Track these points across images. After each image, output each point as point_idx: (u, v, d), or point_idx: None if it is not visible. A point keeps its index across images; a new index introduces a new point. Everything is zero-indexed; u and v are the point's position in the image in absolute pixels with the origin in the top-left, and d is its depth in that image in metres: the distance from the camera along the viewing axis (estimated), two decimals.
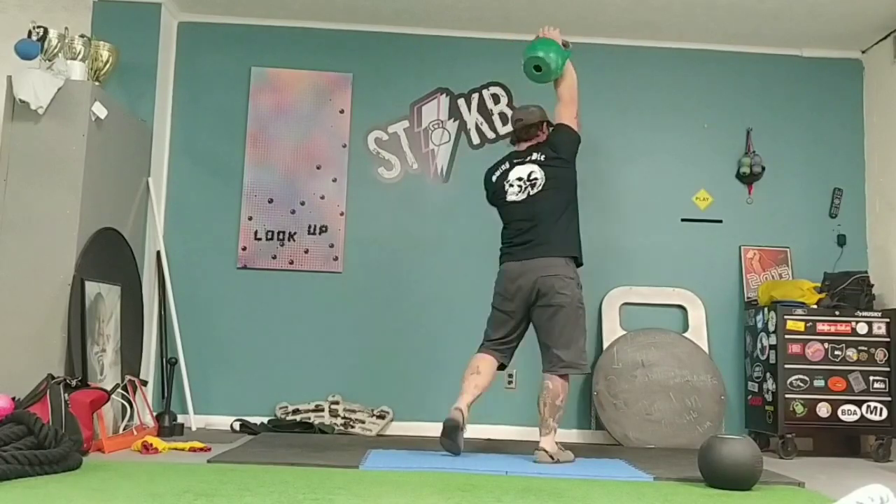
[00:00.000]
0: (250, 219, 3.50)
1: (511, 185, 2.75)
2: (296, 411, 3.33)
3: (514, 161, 2.79)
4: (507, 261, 2.74)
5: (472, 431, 3.21)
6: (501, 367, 2.75)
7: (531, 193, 2.70)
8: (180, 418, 3.15)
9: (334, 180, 3.54)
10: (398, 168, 3.58)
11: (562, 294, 2.60)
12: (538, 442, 2.60)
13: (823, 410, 3.09)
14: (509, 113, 3.61)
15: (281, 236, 3.49)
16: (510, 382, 3.43)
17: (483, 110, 3.61)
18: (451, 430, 2.53)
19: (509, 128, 3.61)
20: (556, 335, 2.60)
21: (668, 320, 3.49)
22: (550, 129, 2.82)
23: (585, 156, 3.62)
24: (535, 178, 2.71)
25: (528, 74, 2.78)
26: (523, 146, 2.83)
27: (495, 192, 2.81)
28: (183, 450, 2.62)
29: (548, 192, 2.69)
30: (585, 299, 3.48)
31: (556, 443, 2.62)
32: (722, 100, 3.64)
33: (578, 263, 2.73)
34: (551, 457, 2.55)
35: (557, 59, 2.73)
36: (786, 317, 3.13)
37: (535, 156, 2.75)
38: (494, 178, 2.82)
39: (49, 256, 2.69)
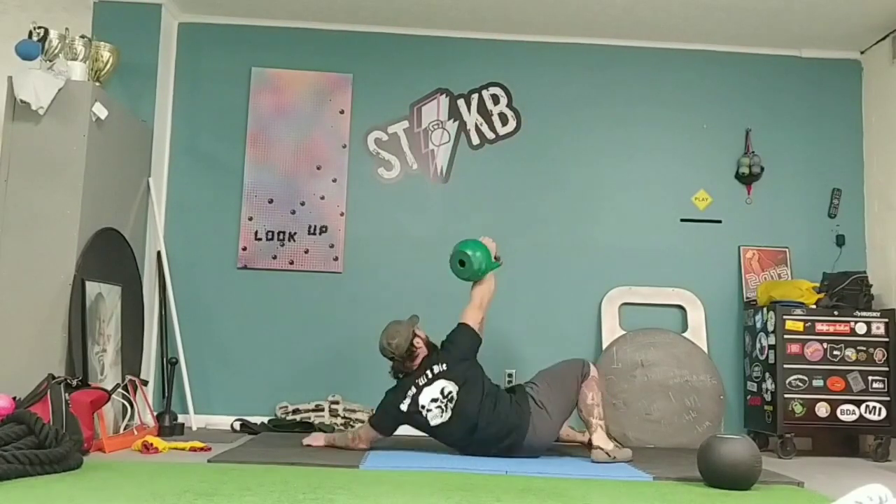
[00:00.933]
0: (250, 219, 3.50)
1: (429, 411, 2.62)
2: (296, 411, 3.33)
3: (420, 383, 2.65)
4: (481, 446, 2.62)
5: None
6: None
7: (453, 409, 2.61)
8: (181, 418, 3.16)
9: (334, 180, 3.54)
10: (398, 168, 3.58)
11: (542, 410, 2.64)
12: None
13: (822, 410, 3.09)
14: (509, 113, 3.62)
15: (281, 236, 3.50)
16: (509, 382, 3.44)
17: (483, 111, 3.61)
18: None
19: (509, 128, 3.64)
20: (562, 406, 2.69)
21: (668, 320, 3.50)
22: (421, 331, 2.72)
23: (585, 156, 3.64)
24: (450, 393, 2.62)
25: (452, 266, 2.84)
26: (414, 366, 2.68)
27: (412, 422, 2.66)
28: (183, 449, 2.63)
29: (471, 396, 2.61)
30: (585, 300, 3.52)
31: (614, 439, 2.69)
32: (721, 100, 3.64)
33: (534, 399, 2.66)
34: (607, 454, 2.59)
35: (482, 262, 2.78)
36: (785, 317, 3.14)
37: (436, 369, 2.65)
38: (406, 409, 2.64)
39: (50, 256, 2.69)
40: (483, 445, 2.62)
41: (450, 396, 2.63)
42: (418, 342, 2.70)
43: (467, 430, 2.62)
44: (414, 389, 2.66)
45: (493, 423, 2.61)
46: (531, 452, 2.64)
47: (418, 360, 2.69)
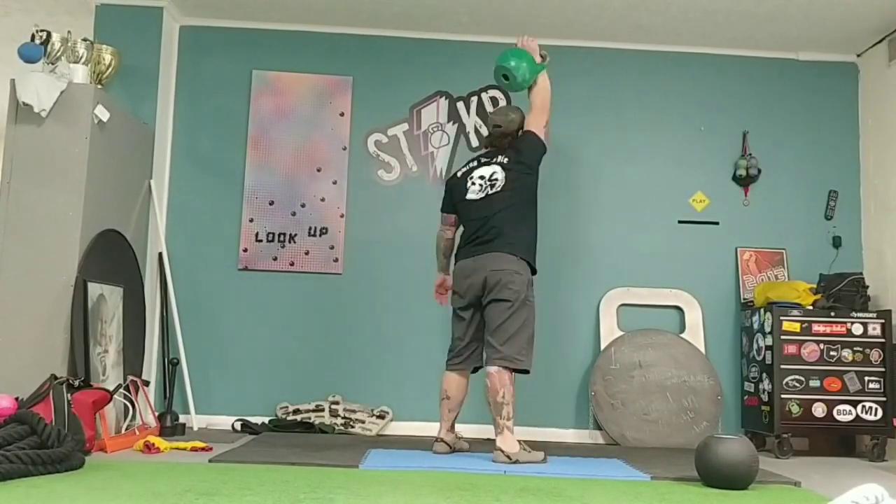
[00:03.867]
0: (251, 221, 3.52)
1: (473, 184, 2.75)
2: (296, 411, 3.35)
3: (482, 160, 2.81)
4: (460, 257, 2.74)
5: (471, 431, 3.24)
6: (475, 370, 2.77)
7: (489, 193, 2.70)
8: (182, 418, 3.17)
9: (334, 182, 3.56)
10: (398, 170, 3.60)
11: (508, 289, 2.58)
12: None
13: (819, 410, 3.11)
14: None
15: (281, 238, 3.52)
16: None
17: (482, 113, 3.63)
18: (444, 454, 2.65)
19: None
20: (496, 327, 2.58)
21: (666, 321, 3.52)
22: (519, 133, 2.81)
23: (583, 157, 3.66)
24: (496, 179, 2.71)
25: (498, 82, 2.84)
26: (501, 146, 2.82)
27: (456, 187, 2.79)
28: (184, 449, 2.64)
29: (506, 193, 2.68)
30: (584, 300, 3.54)
31: (520, 441, 2.58)
32: (718, 103, 3.66)
33: (533, 269, 2.69)
34: (508, 457, 2.50)
35: (527, 70, 2.75)
36: (782, 318, 3.16)
37: (499, 158, 2.76)
38: (460, 174, 2.83)
39: (52, 258, 2.71)
40: (474, 243, 2.67)
41: (493, 182, 2.71)
42: (520, 135, 2.79)
43: (483, 219, 2.67)
44: (475, 163, 2.81)
45: (492, 236, 2.63)
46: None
47: (505, 144, 2.79)
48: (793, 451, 3.08)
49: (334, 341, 3.47)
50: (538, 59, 2.82)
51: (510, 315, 2.58)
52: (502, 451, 2.52)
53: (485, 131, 3.64)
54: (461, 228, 2.84)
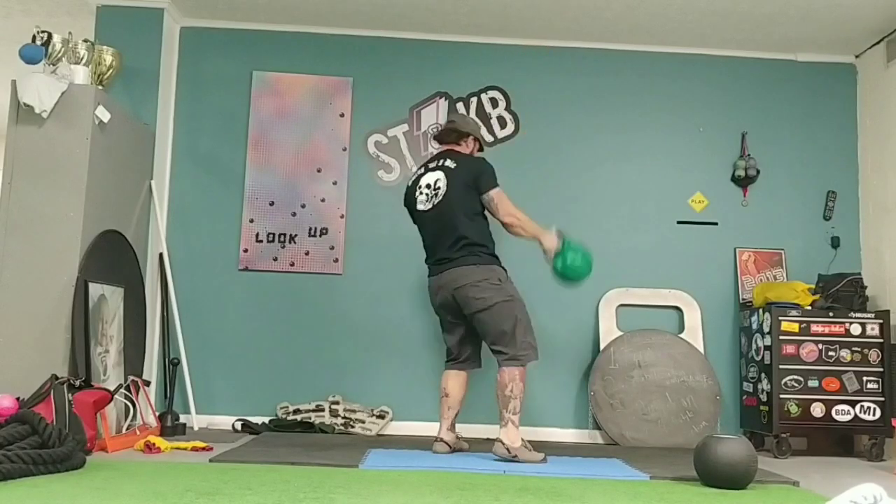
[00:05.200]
0: (251, 221, 3.53)
1: (421, 193, 2.75)
2: (296, 411, 3.36)
3: (430, 166, 2.78)
4: (429, 274, 2.76)
5: (471, 431, 3.24)
6: (475, 368, 2.80)
7: (436, 203, 2.69)
8: (182, 418, 3.18)
9: (335, 183, 3.57)
10: (398, 171, 3.61)
11: (478, 299, 2.61)
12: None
13: (817, 410, 3.12)
14: (508, 116, 3.65)
15: (282, 238, 3.53)
16: None
17: (481, 114, 3.64)
18: (443, 454, 2.66)
19: (508, 131, 3.67)
20: (488, 336, 2.65)
21: (664, 321, 3.53)
22: (477, 149, 2.82)
23: (582, 158, 3.68)
24: (440, 186, 2.69)
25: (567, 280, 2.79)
26: (440, 149, 2.83)
27: (408, 198, 2.81)
28: (185, 449, 2.65)
29: (450, 199, 2.65)
30: (583, 301, 3.54)
31: (524, 440, 2.60)
32: (717, 104, 3.67)
33: (494, 259, 2.67)
34: (507, 450, 2.52)
35: (583, 269, 2.67)
36: (780, 318, 3.16)
37: (447, 162, 2.71)
38: (411, 182, 2.82)
39: (53, 258, 2.72)
40: (434, 260, 2.68)
41: (437, 190, 2.69)
42: (470, 144, 2.79)
43: (434, 233, 2.68)
44: (423, 170, 2.80)
45: (446, 252, 2.63)
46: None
47: (449, 147, 2.78)
48: (791, 451, 3.09)
49: (334, 341, 3.48)
50: (558, 247, 2.70)
51: (497, 319, 2.61)
52: (503, 443, 2.53)
53: (484, 132, 3.65)
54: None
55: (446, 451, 2.70)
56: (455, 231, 2.64)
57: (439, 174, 2.70)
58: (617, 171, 3.63)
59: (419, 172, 2.80)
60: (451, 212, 2.65)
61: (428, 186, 2.72)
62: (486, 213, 2.72)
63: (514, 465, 2.49)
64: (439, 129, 2.83)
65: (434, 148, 2.94)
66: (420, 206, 2.74)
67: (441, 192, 2.67)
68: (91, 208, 2.81)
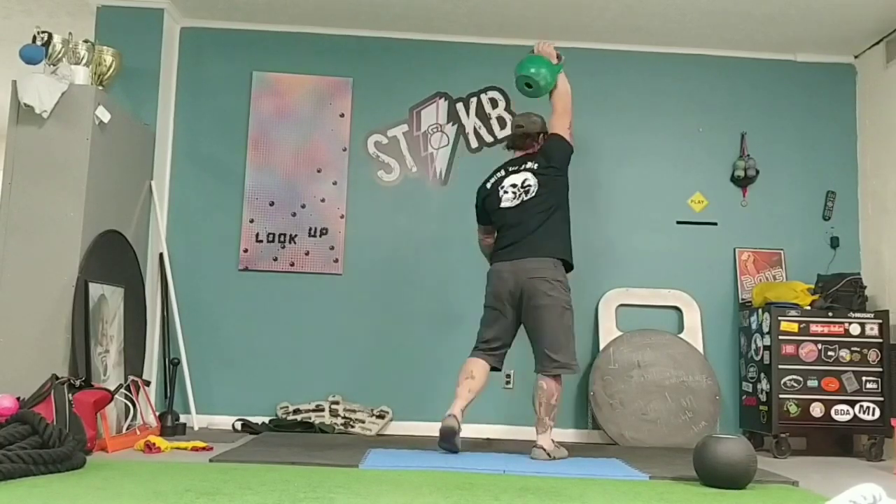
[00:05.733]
0: (252, 221, 3.53)
1: (506, 192, 2.82)
2: (296, 411, 3.36)
3: (510, 169, 2.88)
4: (497, 260, 2.80)
5: (471, 431, 3.24)
6: (494, 369, 2.80)
7: (524, 199, 2.77)
8: (182, 418, 3.18)
9: (334, 183, 3.57)
10: (397, 171, 3.61)
11: (549, 296, 2.67)
12: (535, 440, 2.66)
13: (817, 410, 3.12)
14: (507, 117, 3.66)
15: (282, 238, 3.53)
16: (508, 382, 3.47)
17: (481, 114, 3.65)
18: (449, 435, 2.61)
19: (507, 131, 3.66)
20: (546, 337, 2.68)
21: (664, 321, 3.53)
22: (546, 139, 2.89)
23: (582, 159, 3.67)
24: (529, 185, 2.79)
25: (521, 91, 2.87)
26: (519, 154, 2.91)
27: (488, 197, 2.87)
28: (185, 449, 2.65)
29: (540, 197, 2.77)
30: (582, 301, 3.55)
31: (552, 440, 2.69)
32: (716, 104, 3.68)
33: (569, 267, 2.79)
34: (548, 454, 2.62)
35: (547, 75, 2.80)
36: (780, 318, 3.17)
37: (529, 164, 2.84)
38: (489, 185, 2.89)
39: (53, 258, 2.72)
40: (511, 247, 2.71)
41: (526, 188, 2.78)
42: (540, 139, 2.86)
43: (518, 224, 2.73)
44: (504, 172, 2.86)
45: (529, 241, 2.69)
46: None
47: (527, 151, 2.87)
48: (791, 451, 3.10)
49: (334, 341, 3.48)
50: (554, 62, 2.85)
51: (555, 323, 2.67)
52: (544, 449, 2.62)
53: (484, 132, 3.66)
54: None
55: (454, 427, 2.58)
56: (540, 227, 2.72)
57: (526, 175, 2.81)
58: (616, 171, 3.63)
59: (499, 175, 2.87)
60: (541, 209, 2.74)
61: (514, 186, 2.80)
62: (569, 212, 2.83)
63: (515, 465, 2.49)
64: (515, 133, 2.90)
65: (507, 152, 3.02)
66: (505, 204, 2.79)
67: (532, 189, 2.77)
68: (91, 208, 2.81)
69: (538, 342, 2.70)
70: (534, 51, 2.87)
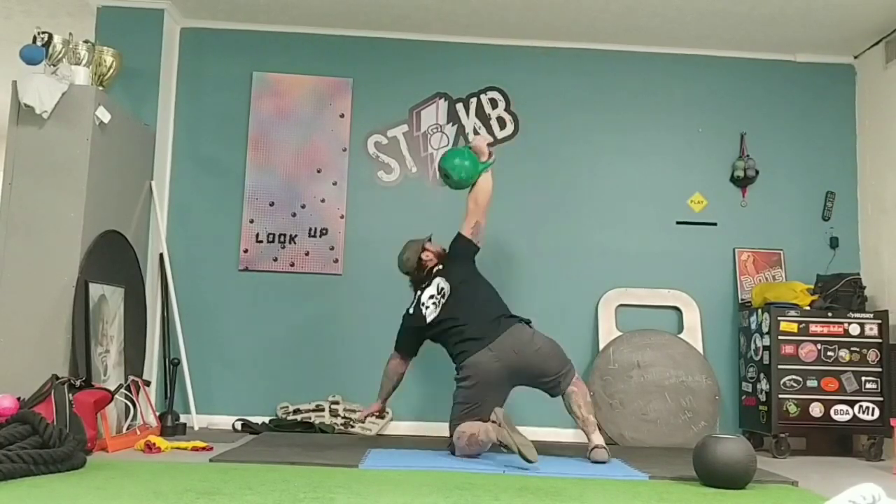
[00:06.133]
0: (252, 221, 3.54)
1: (427, 307, 2.81)
2: (296, 411, 3.36)
3: (422, 286, 2.87)
4: (469, 356, 2.66)
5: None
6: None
7: (444, 302, 2.77)
8: (183, 418, 3.19)
9: (334, 184, 3.58)
10: (397, 172, 3.62)
11: (536, 348, 2.69)
12: (588, 443, 2.67)
13: (816, 410, 3.13)
14: (507, 117, 3.66)
15: (282, 239, 3.53)
16: None
17: (481, 114, 3.65)
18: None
19: (507, 132, 3.68)
20: (549, 375, 2.69)
21: (664, 321, 3.54)
22: (432, 245, 2.91)
23: (581, 160, 3.68)
24: (443, 288, 2.80)
25: (442, 179, 2.88)
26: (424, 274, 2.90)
27: (414, 319, 2.83)
28: (185, 449, 2.65)
29: (457, 291, 2.76)
30: (582, 301, 3.56)
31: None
32: (716, 104, 3.68)
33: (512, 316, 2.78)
34: (607, 452, 2.63)
35: (464, 171, 2.78)
36: (779, 318, 3.17)
37: (435, 271, 2.86)
38: (412, 309, 2.87)
39: (54, 258, 2.72)
40: (476, 340, 2.66)
41: (443, 292, 2.78)
42: (427, 255, 2.88)
43: (457, 324, 2.70)
44: (419, 293, 2.88)
45: (473, 320, 2.68)
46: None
47: (430, 265, 2.87)
48: (790, 451, 3.10)
49: (334, 341, 3.49)
50: (483, 158, 2.84)
51: (547, 353, 2.70)
52: (605, 449, 2.64)
53: (484, 133, 3.66)
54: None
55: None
56: (475, 311, 2.71)
57: (437, 280, 2.83)
58: (616, 171, 3.64)
59: (417, 296, 2.88)
60: (464, 299, 2.73)
61: (431, 297, 2.81)
62: (484, 279, 2.83)
63: (514, 465, 2.50)
64: (409, 275, 2.92)
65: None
66: (431, 316, 2.78)
67: (446, 290, 2.78)
68: (91, 209, 2.82)
69: (549, 375, 2.69)
70: (470, 143, 2.86)
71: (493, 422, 2.52)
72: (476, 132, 3.65)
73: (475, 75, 3.65)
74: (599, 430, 2.75)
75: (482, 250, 3.63)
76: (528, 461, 2.37)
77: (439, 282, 2.81)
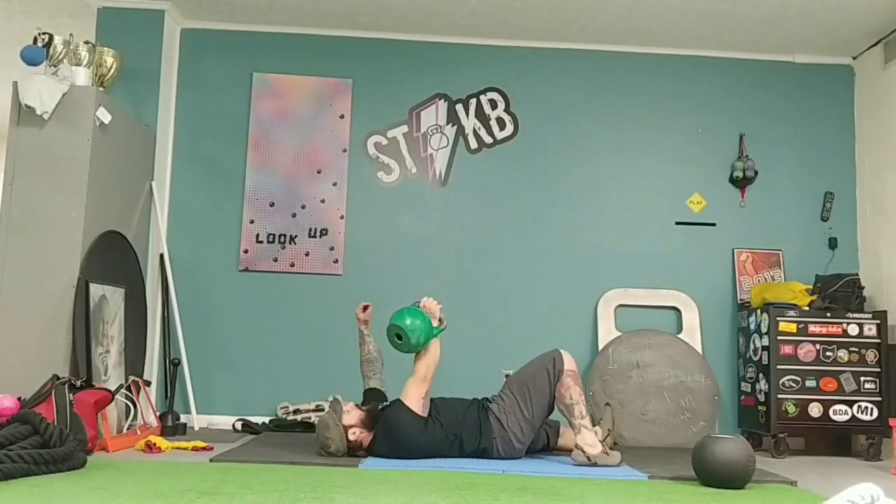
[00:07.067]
0: (252, 222, 3.54)
1: None
2: (296, 411, 3.37)
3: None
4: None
5: None
6: None
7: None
8: (183, 418, 3.19)
9: (334, 184, 3.58)
10: (397, 172, 3.62)
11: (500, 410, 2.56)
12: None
13: (815, 410, 3.13)
14: (507, 118, 3.67)
15: (282, 239, 3.54)
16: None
17: (481, 115, 3.66)
18: None
19: (507, 132, 3.69)
20: (529, 392, 2.58)
21: (663, 322, 3.54)
22: (351, 416, 2.55)
23: (581, 160, 3.69)
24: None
25: (390, 340, 2.56)
26: (364, 448, 2.57)
27: None
28: (186, 449, 2.66)
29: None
30: (582, 301, 3.55)
31: (602, 442, 2.57)
32: (715, 105, 3.69)
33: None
34: (587, 457, 2.51)
35: (420, 335, 2.50)
36: (778, 318, 3.18)
37: (368, 446, 2.54)
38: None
39: (54, 259, 2.73)
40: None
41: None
42: (353, 433, 2.53)
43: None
44: None
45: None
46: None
47: (366, 444, 2.55)
48: (789, 451, 3.11)
49: (334, 341, 3.49)
50: (435, 323, 2.57)
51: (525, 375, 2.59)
52: (582, 451, 2.52)
53: (484, 133, 3.67)
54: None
55: None
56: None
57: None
58: (615, 171, 3.64)
59: None
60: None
61: None
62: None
63: (514, 465, 2.50)
64: (343, 455, 2.51)
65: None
66: None
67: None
68: (92, 209, 2.82)
69: (536, 402, 2.57)
70: (420, 304, 2.60)
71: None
72: (476, 132, 3.66)
73: (475, 76, 3.65)
74: (609, 432, 2.70)
75: (481, 252, 3.65)
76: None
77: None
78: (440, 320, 2.61)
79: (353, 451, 2.55)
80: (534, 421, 2.60)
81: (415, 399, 2.53)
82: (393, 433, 2.50)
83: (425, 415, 2.54)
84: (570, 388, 2.58)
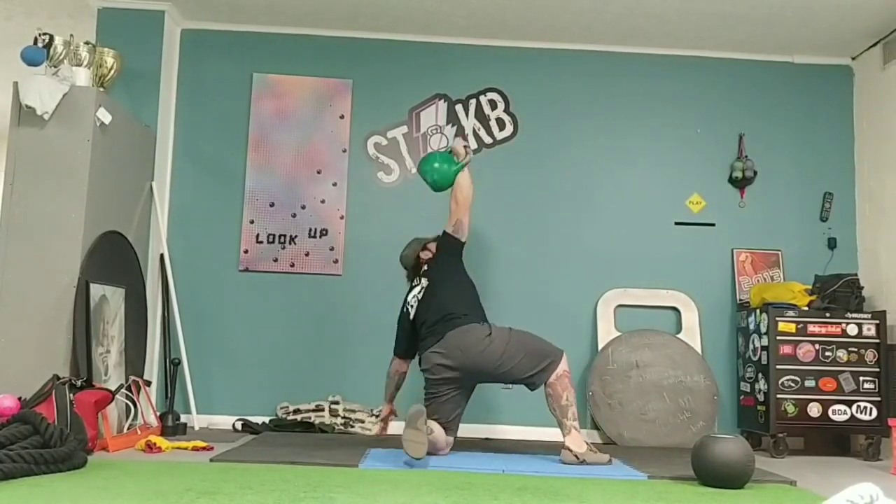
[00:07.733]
0: (252, 222, 3.55)
1: (412, 307, 2.82)
2: (296, 411, 3.37)
3: (411, 286, 2.91)
4: (427, 349, 2.68)
5: (470, 431, 3.26)
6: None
7: (420, 300, 2.78)
8: (183, 418, 3.20)
9: (334, 184, 3.59)
10: (397, 172, 3.63)
11: (493, 345, 2.62)
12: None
13: (814, 410, 3.14)
14: (507, 118, 3.68)
15: (282, 239, 3.54)
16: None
17: (481, 116, 3.66)
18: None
19: (507, 132, 3.69)
20: (518, 367, 2.62)
21: (662, 322, 3.55)
22: (427, 250, 2.91)
23: (581, 160, 3.70)
24: (423, 286, 2.82)
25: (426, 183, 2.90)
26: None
27: (403, 318, 2.85)
28: (186, 449, 2.66)
29: (429, 288, 2.77)
30: (581, 301, 3.56)
31: (587, 443, 2.62)
32: (714, 106, 3.69)
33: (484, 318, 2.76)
34: (576, 456, 2.55)
35: (442, 173, 2.82)
36: (777, 318, 3.18)
37: (423, 270, 2.87)
38: (403, 311, 2.88)
39: (55, 259, 2.73)
40: (434, 336, 2.64)
41: (422, 290, 2.80)
42: (426, 255, 2.90)
43: (430, 321, 2.69)
44: (408, 291, 2.89)
45: (447, 314, 2.65)
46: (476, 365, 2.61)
47: (425, 265, 2.88)
48: (788, 451, 3.11)
49: (334, 341, 3.50)
50: (460, 159, 2.84)
51: (515, 351, 2.62)
52: (570, 451, 2.56)
53: (484, 134, 3.68)
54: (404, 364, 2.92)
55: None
56: (441, 307, 2.70)
57: (421, 280, 2.84)
58: (615, 172, 3.65)
59: (405, 297, 2.89)
60: (438, 295, 2.73)
61: (414, 296, 2.83)
62: (465, 277, 2.81)
63: (514, 465, 2.51)
64: (407, 270, 2.95)
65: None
66: (413, 312, 2.80)
67: (424, 288, 2.79)
68: (92, 209, 2.83)
69: (516, 375, 2.64)
70: (451, 147, 2.92)
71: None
72: (476, 132, 3.66)
73: (474, 76, 3.66)
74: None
75: (481, 252, 3.66)
76: (411, 456, 2.33)
77: (423, 280, 2.84)
78: (464, 153, 2.86)
79: (416, 266, 2.89)
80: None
81: (450, 226, 2.83)
82: (436, 254, 2.85)
83: (461, 239, 2.84)
84: (567, 389, 2.63)
